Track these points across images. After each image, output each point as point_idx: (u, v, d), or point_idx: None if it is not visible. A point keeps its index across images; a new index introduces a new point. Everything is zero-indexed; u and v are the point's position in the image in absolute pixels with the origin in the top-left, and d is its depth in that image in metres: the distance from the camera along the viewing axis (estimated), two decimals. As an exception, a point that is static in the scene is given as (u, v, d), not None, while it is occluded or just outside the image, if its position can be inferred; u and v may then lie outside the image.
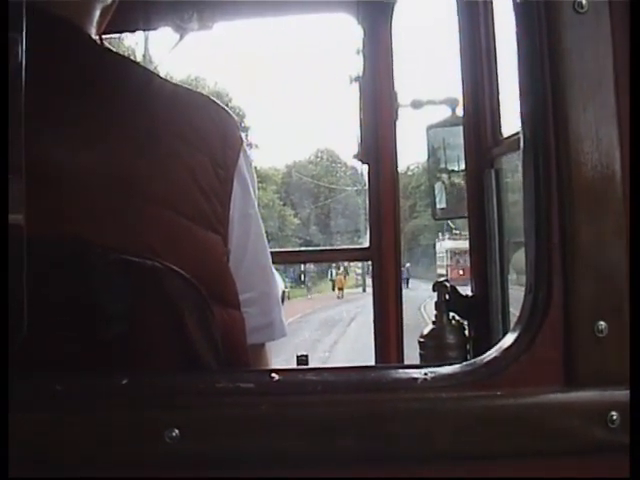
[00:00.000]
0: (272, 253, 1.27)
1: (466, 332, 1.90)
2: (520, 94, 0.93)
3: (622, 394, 0.85)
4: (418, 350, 1.88)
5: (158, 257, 1.02)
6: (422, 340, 1.86)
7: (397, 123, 2.29)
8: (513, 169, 1.89)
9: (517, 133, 0.95)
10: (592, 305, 0.86)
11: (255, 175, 1.24)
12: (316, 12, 2.43)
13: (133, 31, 2.29)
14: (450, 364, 0.89)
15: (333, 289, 37.99)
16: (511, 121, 1.89)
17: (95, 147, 1.05)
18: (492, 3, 1.90)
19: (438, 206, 2.33)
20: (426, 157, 2.41)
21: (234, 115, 1.23)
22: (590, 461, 0.86)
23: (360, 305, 25.42)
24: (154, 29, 2.21)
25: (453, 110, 2.33)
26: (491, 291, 1.93)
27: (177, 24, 2.10)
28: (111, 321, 1.00)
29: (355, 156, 2.32)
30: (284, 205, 48.20)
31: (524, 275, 0.92)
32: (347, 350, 16.22)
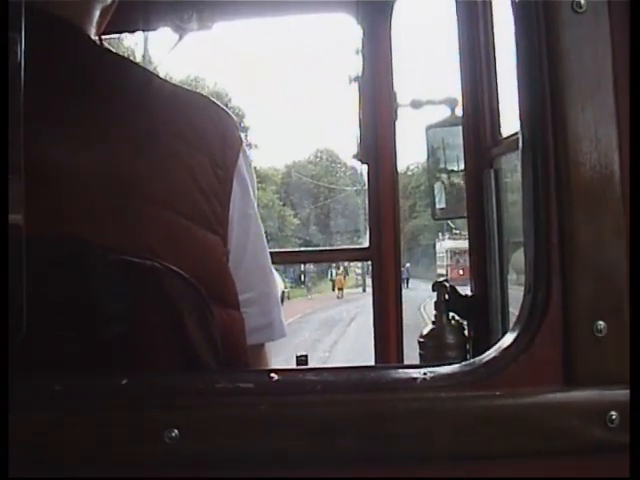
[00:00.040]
0: (272, 253, 1.27)
1: (466, 332, 1.90)
2: (519, 94, 0.93)
3: (621, 394, 0.85)
4: (418, 350, 1.89)
5: (157, 257, 1.02)
6: (422, 340, 1.86)
7: (396, 123, 2.29)
8: (512, 169, 1.89)
9: (516, 133, 0.95)
10: (591, 305, 0.86)
11: (254, 175, 1.24)
12: (315, 12, 2.43)
13: (133, 31, 2.29)
14: (449, 364, 0.90)
15: (333, 289, 37.99)
16: (510, 121, 1.90)
17: (94, 147, 1.05)
18: (491, 3, 1.90)
19: (438, 206, 2.33)
20: (426, 157, 2.41)
21: (233, 115, 1.23)
22: (589, 461, 0.86)
23: (360, 305, 25.42)
24: (153, 29, 2.21)
25: (452, 110, 2.33)
26: (490, 291, 1.93)
27: (176, 24, 2.10)
28: (110, 321, 1.00)
29: (354, 156, 2.32)
30: (284, 205, 48.21)
31: (523, 275, 0.92)
32: (347, 350, 16.22)
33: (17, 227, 0.76)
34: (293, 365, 2.07)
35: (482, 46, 1.93)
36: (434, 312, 1.90)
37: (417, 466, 0.85)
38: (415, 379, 0.86)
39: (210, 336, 1.06)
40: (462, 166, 2.15)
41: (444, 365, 0.89)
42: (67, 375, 0.88)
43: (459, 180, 2.23)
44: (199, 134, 1.13)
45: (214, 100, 1.22)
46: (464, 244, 2.32)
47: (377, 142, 2.27)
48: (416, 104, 2.48)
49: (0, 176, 0.75)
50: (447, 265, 35.62)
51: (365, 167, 2.33)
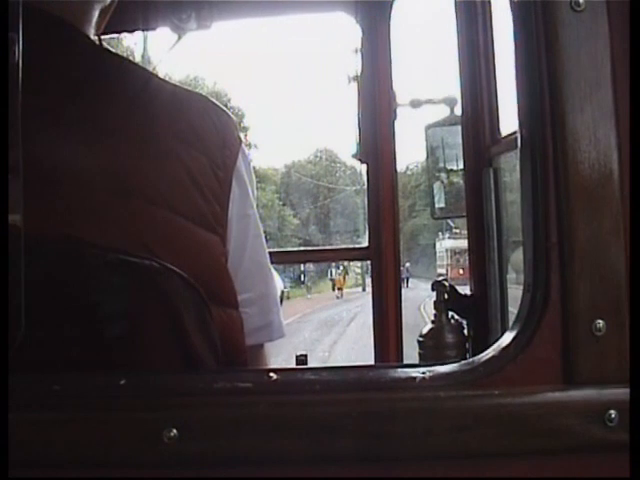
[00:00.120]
0: (271, 253, 1.27)
1: (465, 331, 1.90)
2: (517, 93, 0.93)
3: (620, 392, 0.85)
4: (417, 349, 1.89)
5: (156, 257, 1.02)
6: (421, 339, 1.86)
7: (396, 122, 2.29)
8: (511, 168, 1.90)
9: (515, 132, 0.95)
10: (590, 304, 0.86)
11: (254, 175, 1.24)
12: (314, 12, 2.43)
13: (132, 31, 2.29)
14: (449, 363, 0.89)
15: (333, 289, 37.98)
16: (510, 120, 1.90)
17: (93, 147, 1.05)
18: (490, 2, 1.90)
19: (437, 205, 2.33)
20: (425, 156, 2.41)
21: (233, 115, 1.23)
22: (589, 460, 0.86)
23: (360, 305, 25.43)
24: (153, 29, 2.21)
25: (452, 109, 2.33)
26: (490, 290, 1.93)
27: (175, 24, 2.10)
28: (109, 320, 1.00)
29: (354, 155, 2.32)
30: (283, 205, 48.19)
31: (523, 274, 0.92)
32: (347, 350, 16.23)
33: (15, 227, 0.76)
34: (292, 365, 2.07)
35: (481, 45, 1.93)
36: (434, 311, 1.90)
37: (416, 465, 0.85)
38: (414, 378, 0.86)
39: (209, 336, 1.06)
40: (461, 165, 2.15)
41: (443, 364, 0.89)
42: (66, 375, 0.88)
43: (458, 179, 2.23)
44: (198, 134, 1.13)
45: (213, 100, 1.22)
46: (464, 243, 2.32)
47: (376, 141, 2.28)
48: (415, 103, 2.48)
49: (0, 176, 0.75)
50: (447, 264, 35.61)
51: (364, 166, 2.33)
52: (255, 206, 1.22)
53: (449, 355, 1.83)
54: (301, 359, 2.08)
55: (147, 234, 1.04)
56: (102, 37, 1.30)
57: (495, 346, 0.88)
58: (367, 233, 2.37)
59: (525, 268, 0.91)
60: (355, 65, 2.29)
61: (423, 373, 0.86)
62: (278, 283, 1.46)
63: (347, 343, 17.83)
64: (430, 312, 1.96)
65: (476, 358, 0.88)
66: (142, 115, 1.12)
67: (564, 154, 0.87)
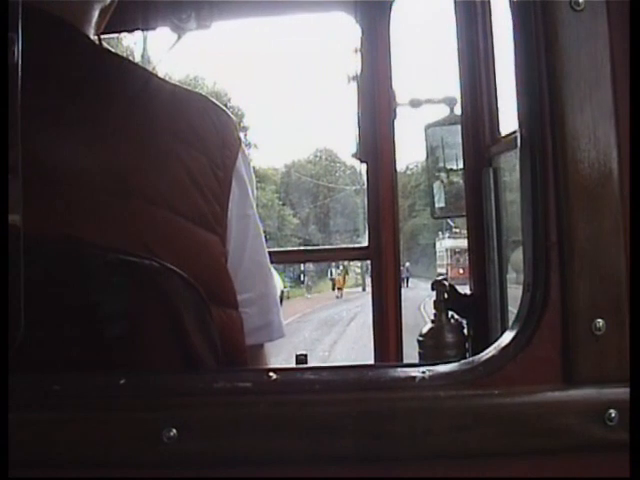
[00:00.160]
0: (271, 253, 1.27)
1: (465, 331, 1.90)
2: (517, 92, 0.93)
3: (620, 392, 0.85)
4: (417, 349, 1.89)
5: (156, 257, 1.02)
6: (421, 339, 1.87)
7: (395, 122, 2.29)
8: (511, 168, 1.90)
9: (515, 132, 0.95)
10: (590, 303, 0.86)
11: (254, 175, 1.24)
12: (314, 11, 2.43)
13: (131, 31, 2.29)
14: (449, 363, 0.89)
15: (333, 288, 37.98)
16: (509, 120, 1.90)
17: (93, 147, 1.05)
18: (489, 2, 1.90)
19: (437, 205, 2.33)
20: (425, 156, 2.41)
21: (233, 115, 1.23)
22: (588, 459, 0.86)
23: (360, 304, 25.43)
24: (152, 29, 2.21)
25: (451, 109, 2.33)
26: (490, 290, 1.93)
27: (175, 24, 2.10)
28: (108, 320, 1.00)
29: (354, 155, 2.32)
30: (283, 205, 48.21)
31: (522, 273, 0.92)
32: (347, 350, 16.22)
33: (15, 227, 0.76)
34: (292, 364, 2.07)
35: (481, 45, 1.93)
36: (433, 311, 1.90)
37: (416, 465, 0.85)
38: (414, 378, 0.86)
39: (209, 336, 1.06)
40: (461, 165, 2.15)
41: (443, 364, 0.89)
42: (66, 375, 0.88)
43: (458, 179, 2.23)
44: (198, 134, 1.13)
45: (213, 100, 1.22)
46: (464, 243, 2.32)
47: (376, 141, 2.28)
48: (415, 103, 2.48)
49: (0, 176, 0.75)
50: (447, 264, 35.62)
51: (364, 166, 2.33)
52: (255, 206, 1.22)
53: (449, 355, 1.83)
54: (301, 359, 2.08)
55: (147, 234, 1.04)
56: (102, 37, 1.30)
57: (495, 345, 0.88)
58: (367, 233, 2.37)
59: (525, 267, 0.91)
60: (355, 65, 2.29)
61: (423, 373, 0.86)
62: (278, 283, 1.46)
63: (347, 343, 17.82)
64: (430, 312, 1.96)
65: (476, 357, 0.88)
66: (142, 115, 1.12)
67: (564, 153, 0.87)
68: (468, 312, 1.93)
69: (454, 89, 2.13)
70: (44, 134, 1.01)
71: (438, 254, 41.40)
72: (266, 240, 1.26)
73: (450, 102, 2.33)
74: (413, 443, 0.84)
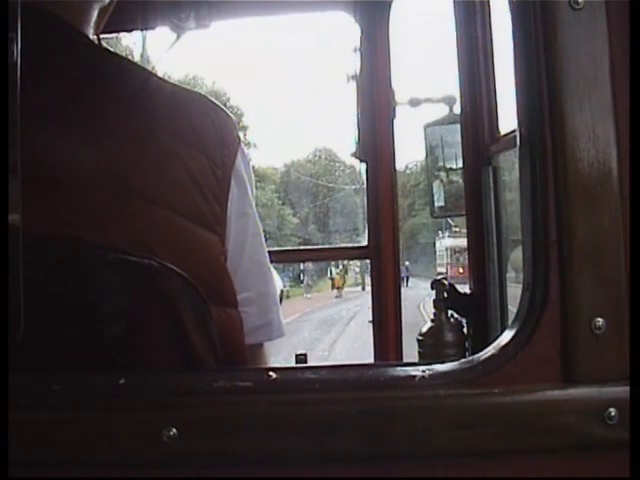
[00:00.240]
0: (271, 252, 1.27)
1: (465, 330, 1.90)
2: (516, 91, 0.93)
3: (620, 391, 0.85)
4: (417, 348, 1.89)
5: (156, 256, 1.02)
6: (421, 338, 1.87)
7: (395, 121, 2.29)
8: (510, 167, 1.90)
9: (514, 130, 0.95)
10: (589, 302, 0.86)
11: (253, 175, 1.25)
12: (313, 11, 2.43)
13: (131, 31, 2.29)
14: (448, 362, 0.90)
15: (332, 288, 37.96)
16: (509, 118, 1.90)
17: (93, 147, 1.05)
18: (488, 1, 1.91)
19: (436, 204, 2.34)
20: (424, 155, 2.41)
21: (232, 115, 1.23)
22: (588, 458, 0.86)
23: (359, 304, 25.42)
24: (152, 29, 2.21)
25: (451, 108, 2.33)
26: (489, 289, 1.93)
27: (174, 23, 2.10)
28: (108, 320, 1.00)
29: (353, 154, 2.32)
30: (283, 204, 48.19)
31: (522, 272, 0.92)
32: (346, 349, 16.23)
33: (14, 227, 0.76)
34: (292, 364, 2.07)
35: (480, 44, 1.93)
36: (433, 310, 1.90)
37: (416, 464, 0.85)
38: (414, 377, 0.86)
39: (208, 335, 1.06)
40: (460, 164, 2.16)
41: (443, 363, 0.89)
42: (66, 375, 0.88)
43: (458, 178, 2.24)
44: (198, 134, 1.13)
45: (213, 99, 1.22)
46: (464, 242, 2.32)
47: (375, 140, 2.28)
48: (414, 102, 2.48)
49: (0, 176, 0.75)
50: (447, 263, 35.61)
51: (364, 165, 2.33)
52: (254, 205, 1.22)
53: (449, 354, 1.84)
54: (301, 358, 2.08)
55: (147, 234, 1.04)
56: (101, 37, 1.30)
57: (494, 344, 0.88)
58: (366, 232, 2.37)
59: (524, 266, 0.91)
60: (354, 64, 2.29)
61: (423, 372, 0.86)
62: (277, 282, 1.46)
63: (347, 342, 17.82)
64: (430, 311, 1.97)
65: (475, 356, 0.88)
66: (141, 115, 1.12)
67: (563, 152, 0.87)
68: (468, 311, 1.93)
69: (453, 88, 2.14)
70: (44, 134, 1.01)
71: (438, 253, 41.41)
72: (265, 239, 1.26)
73: (449, 101, 2.33)
74: (413, 442, 0.84)
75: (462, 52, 1.98)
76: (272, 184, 47.76)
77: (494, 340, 0.89)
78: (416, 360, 1.83)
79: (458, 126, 2.10)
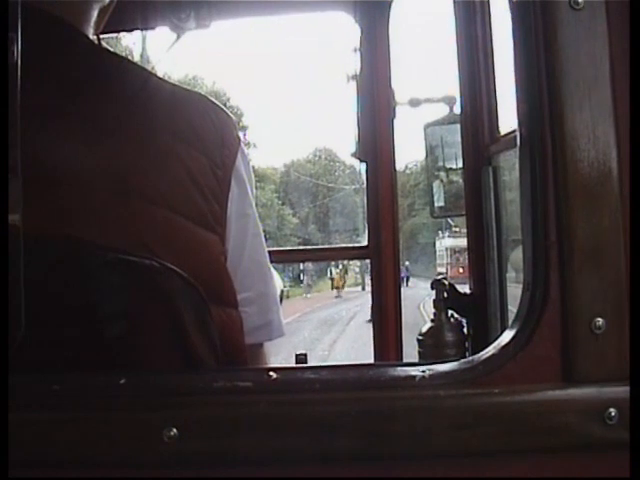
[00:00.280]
0: (271, 252, 1.27)
1: (465, 330, 1.90)
2: (516, 92, 0.93)
3: (620, 391, 0.85)
4: (417, 348, 1.89)
5: (156, 256, 1.02)
6: (421, 338, 1.87)
7: (395, 121, 2.29)
8: (510, 167, 1.90)
9: (514, 131, 0.95)
10: (589, 302, 0.86)
11: (253, 175, 1.25)
12: (313, 11, 2.43)
13: (131, 31, 2.29)
14: (448, 362, 0.90)
15: (332, 288, 37.95)
16: (508, 118, 1.90)
17: (93, 147, 1.05)
18: (488, 1, 1.91)
19: (436, 204, 2.34)
20: (424, 155, 2.41)
21: (232, 115, 1.23)
22: (588, 458, 0.86)
23: (359, 304, 25.42)
24: (152, 29, 2.21)
25: (451, 108, 2.33)
26: (489, 289, 1.93)
27: (174, 23, 2.10)
28: (108, 320, 1.00)
29: (353, 154, 2.32)
30: (283, 204, 48.18)
31: (522, 273, 0.92)
32: (346, 349, 16.23)
33: (14, 227, 0.76)
34: (292, 364, 2.07)
35: (480, 44, 1.93)
36: (433, 310, 1.90)
37: (416, 464, 0.85)
38: (414, 377, 0.86)
39: (209, 335, 1.06)
40: (460, 164, 2.16)
41: (443, 363, 0.89)
42: (66, 375, 0.88)
43: (457, 178, 2.24)
44: (198, 134, 1.13)
45: (213, 100, 1.22)
46: (464, 242, 2.32)
47: (375, 140, 2.28)
48: (414, 102, 2.48)
49: (0, 176, 0.75)
50: (447, 263, 35.61)
51: (364, 165, 2.34)
52: (254, 205, 1.22)
53: (449, 354, 1.84)
54: (301, 358, 2.08)
55: (147, 234, 1.04)
56: (101, 37, 1.30)
57: (495, 344, 0.88)
58: (366, 232, 2.37)
59: (524, 266, 0.91)
60: (354, 64, 2.29)
61: (423, 372, 0.86)
62: (277, 282, 1.46)
63: (346, 342, 17.82)
64: (430, 311, 1.97)
65: (476, 356, 0.88)
66: (141, 115, 1.12)
67: (563, 153, 0.87)
68: (468, 311, 1.93)
69: (453, 88, 2.14)
70: (44, 134, 1.01)
71: (438, 253, 41.41)
72: (265, 239, 1.26)
73: (449, 101, 2.33)
74: (413, 442, 0.84)
75: (462, 52, 1.98)
76: (272, 184, 47.74)
77: (494, 340, 0.89)
78: (416, 360, 1.83)
79: (458, 126, 2.10)
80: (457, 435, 0.84)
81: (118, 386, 0.85)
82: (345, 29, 2.29)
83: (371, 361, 2.36)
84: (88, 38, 1.18)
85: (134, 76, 1.17)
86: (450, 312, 1.90)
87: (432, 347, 1.85)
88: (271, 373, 0.87)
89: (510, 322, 0.92)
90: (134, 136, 1.09)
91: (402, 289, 2.40)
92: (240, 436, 0.83)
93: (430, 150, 2.33)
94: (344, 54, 2.34)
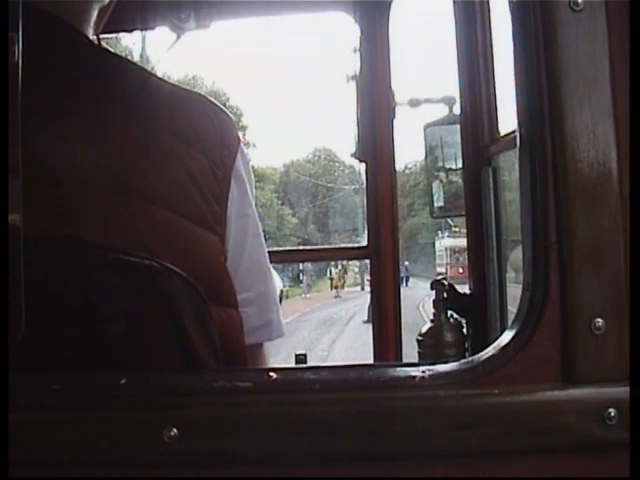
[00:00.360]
0: (270, 252, 1.27)
1: (464, 330, 1.90)
2: (516, 92, 0.94)
3: (620, 391, 0.85)
4: (416, 348, 1.89)
5: (156, 256, 1.02)
6: (420, 338, 1.87)
7: (394, 121, 2.29)
8: (510, 167, 1.90)
9: (514, 131, 0.95)
10: (589, 302, 0.86)
11: (252, 175, 1.25)
12: (313, 11, 2.43)
13: (130, 31, 2.29)
14: (448, 362, 0.90)
15: (332, 288, 37.93)
16: (508, 119, 1.90)
17: (93, 147, 1.05)
18: (488, 2, 1.91)
19: (436, 204, 2.34)
20: (424, 155, 2.42)
21: (232, 115, 1.23)
22: (588, 458, 0.86)
23: (359, 304, 25.41)
24: (151, 29, 2.21)
25: (450, 108, 2.33)
26: (489, 289, 1.93)
27: (174, 23, 2.10)
28: (108, 320, 1.00)
29: (352, 154, 2.32)
30: (282, 204, 48.16)
31: (522, 273, 0.92)
32: (346, 349, 16.22)
33: (15, 227, 0.76)
34: (292, 364, 2.07)
35: (480, 45, 1.93)
36: (433, 310, 1.90)
37: (416, 464, 0.85)
38: (414, 377, 0.86)
39: (209, 335, 1.06)
40: (460, 164, 2.16)
41: (443, 363, 0.89)
42: (66, 375, 0.88)
43: (457, 178, 2.24)
44: (197, 134, 1.14)
45: (212, 100, 1.22)
46: (463, 242, 2.32)
47: (375, 140, 2.28)
48: (414, 102, 2.48)
49: (0, 176, 0.75)
50: (447, 263, 35.58)
51: (363, 165, 2.34)
52: (254, 205, 1.22)
53: (448, 354, 1.84)
54: (300, 358, 2.08)
55: (147, 234, 1.04)
56: (101, 37, 1.30)
57: (494, 345, 0.88)
58: (366, 232, 2.37)
59: (524, 267, 0.91)
60: (354, 64, 2.29)
61: (422, 372, 0.86)
62: (277, 282, 1.46)
63: (346, 342, 17.82)
64: (429, 311, 1.97)
65: (475, 357, 0.88)
66: (141, 115, 1.12)
67: (563, 153, 0.87)
68: (467, 311, 1.93)
69: (453, 88, 2.14)
70: (44, 134, 1.01)
71: (437, 253, 41.38)
72: (265, 239, 1.26)
73: (449, 101, 2.33)
74: (413, 443, 0.84)
75: (462, 52, 1.98)
76: (271, 184, 47.72)
77: (494, 340, 0.89)
78: (416, 360, 1.83)
79: (458, 126, 2.10)
80: (457, 435, 0.84)
81: (118, 386, 0.85)
82: (345, 29, 2.29)
83: (371, 361, 2.36)
84: (88, 38, 1.18)
85: (134, 76, 1.17)
86: (450, 312, 1.90)
87: (432, 347, 1.85)
88: (271, 373, 0.87)
89: (510, 322, 0.92)
90: (134, 136, 1.09)
91: (402, 289, 2.40)
92: (240, 436, 0.83)
93: (430, 150, 2.33)
94: (344, 54, 2.34)
